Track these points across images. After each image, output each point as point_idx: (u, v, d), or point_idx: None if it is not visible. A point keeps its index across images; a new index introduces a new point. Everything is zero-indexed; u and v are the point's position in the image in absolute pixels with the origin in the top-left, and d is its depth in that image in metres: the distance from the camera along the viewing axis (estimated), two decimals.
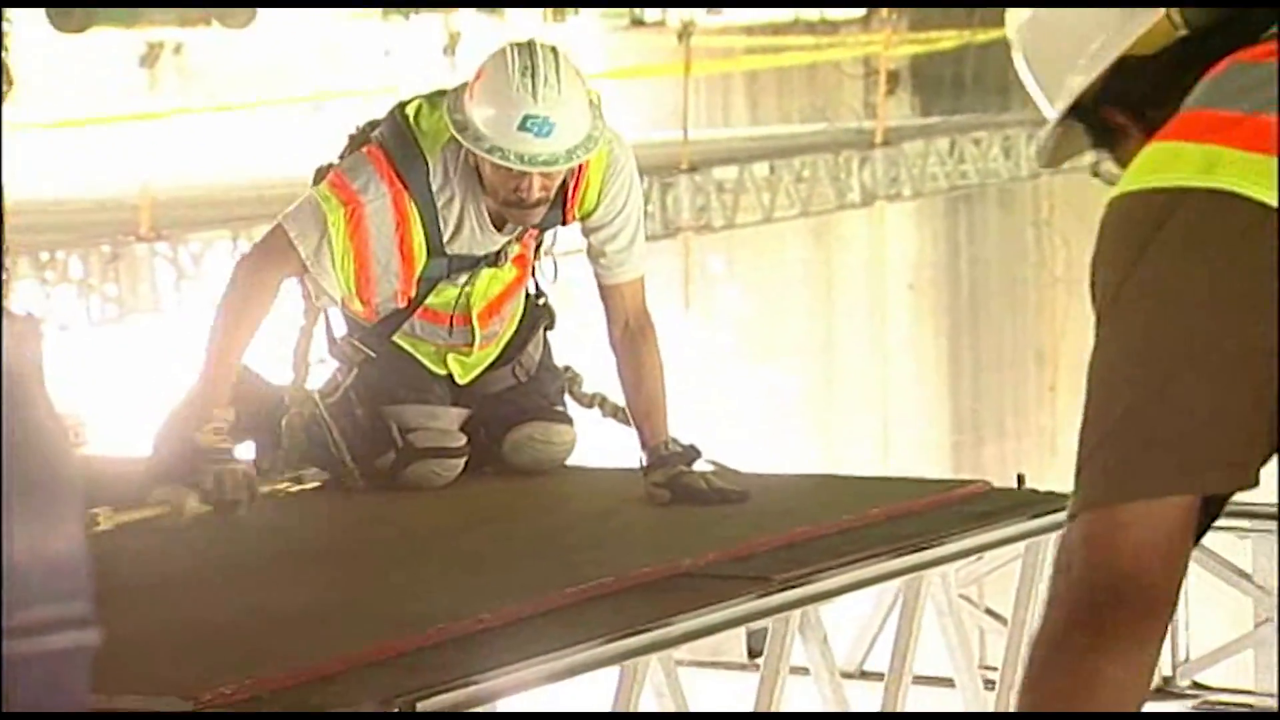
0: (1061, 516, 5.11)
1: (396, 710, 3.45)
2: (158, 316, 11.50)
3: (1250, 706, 7.17)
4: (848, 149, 13.55)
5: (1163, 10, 2.37)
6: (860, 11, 14.81)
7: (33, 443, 1.49)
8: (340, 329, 5.01)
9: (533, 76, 4.71)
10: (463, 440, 4.96)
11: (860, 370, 16.49)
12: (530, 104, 4.69)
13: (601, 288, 5.03)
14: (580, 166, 4.82)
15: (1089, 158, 2.96)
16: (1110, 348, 2.19)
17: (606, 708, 4.63)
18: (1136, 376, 2.16)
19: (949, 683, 6.66)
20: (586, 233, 4.99)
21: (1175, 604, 2.11)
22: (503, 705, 3.59)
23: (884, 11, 13.77)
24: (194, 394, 4.69)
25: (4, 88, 7.60)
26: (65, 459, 1.53)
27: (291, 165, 8.24)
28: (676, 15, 13.32)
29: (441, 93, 4.90)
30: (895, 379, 16.77)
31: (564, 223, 4.98)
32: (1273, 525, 7.21)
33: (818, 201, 13.23)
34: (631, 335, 5.03)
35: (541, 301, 5.20)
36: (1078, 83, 2.48)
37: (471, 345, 5.04)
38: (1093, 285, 2.21)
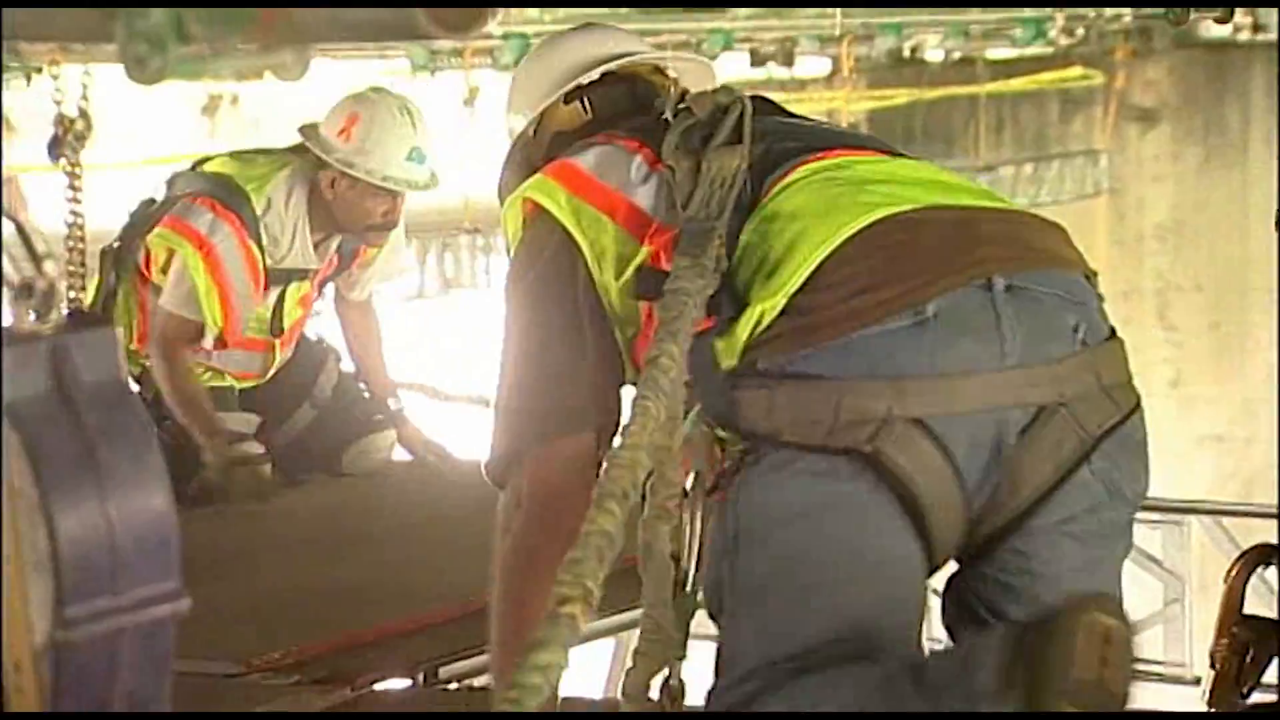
0: None
1: (421, 676, 3.45)
2: None
3: (1161, 675, 7.17)
4: None
5: (562, 97, 2.83)
6: (825, 72, 14.74)
7: (127, 440, 1.49)
8: None
9: (409, 116, 4.88)
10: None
11: None
12: (412, 138, 4.86)
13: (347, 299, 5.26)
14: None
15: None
16: (507, 330, 2.64)
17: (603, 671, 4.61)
18: (528, 351, 2.59)
19: None
20: (364, 264, 5.15)
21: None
22: None
23: (845, 71, 13.71)
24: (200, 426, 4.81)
25: (87, 133, 7.61)
26: (154, 453, 1.53)
27: None
28: None
29: (238, 153, 5.08)
30: None
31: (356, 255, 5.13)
32: (1179, 519, 7.22)
33: None
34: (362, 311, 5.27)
35: (322, 343, 5.30)
36: (516, 124, 2.91)
37: (266, 373, 5.11)
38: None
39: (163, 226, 4.89)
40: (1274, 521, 2.89)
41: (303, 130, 4.92)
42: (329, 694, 3.23)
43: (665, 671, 2.41)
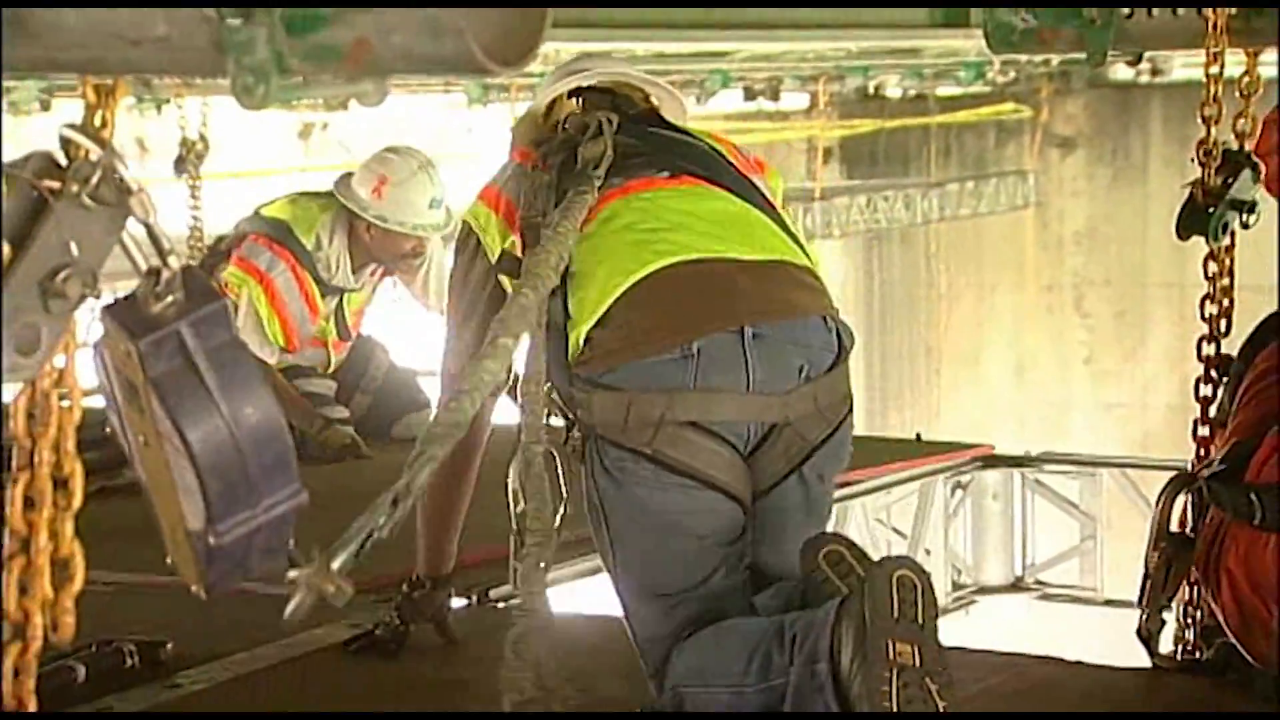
0: (943, 464, 4.91)
1: (474, 597, 3.42)
2: None
3: (1076, 598, 7.15)
4: (794, 201, 13.50)
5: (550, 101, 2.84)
6: (805, 105, 14.68)
7: (237, 369, 1.52)
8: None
9: (427, 171, 5.00)
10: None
11: None
12: (431, 189, 4.97)
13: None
14: None
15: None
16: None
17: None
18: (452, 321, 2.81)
19: None
20: (409, 281, 5.21)
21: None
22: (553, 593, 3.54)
23: (821, 105, 13.66)
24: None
25: (205, 153, 7.61)
26: (261, 378, 1.56)
27: None
28: None
29: (291, 197, 5.17)
30: None
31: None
32: (1093, 471, 7.19)
33: None
34: None
35: (370, 339, 5.37)
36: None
37: (329, 365, 5.24)
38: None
39: (233, 264, 5.00)
40: (1167, 472, 2.87)
41: (338, 188, 5.03)
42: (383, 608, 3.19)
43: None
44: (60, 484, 1.56)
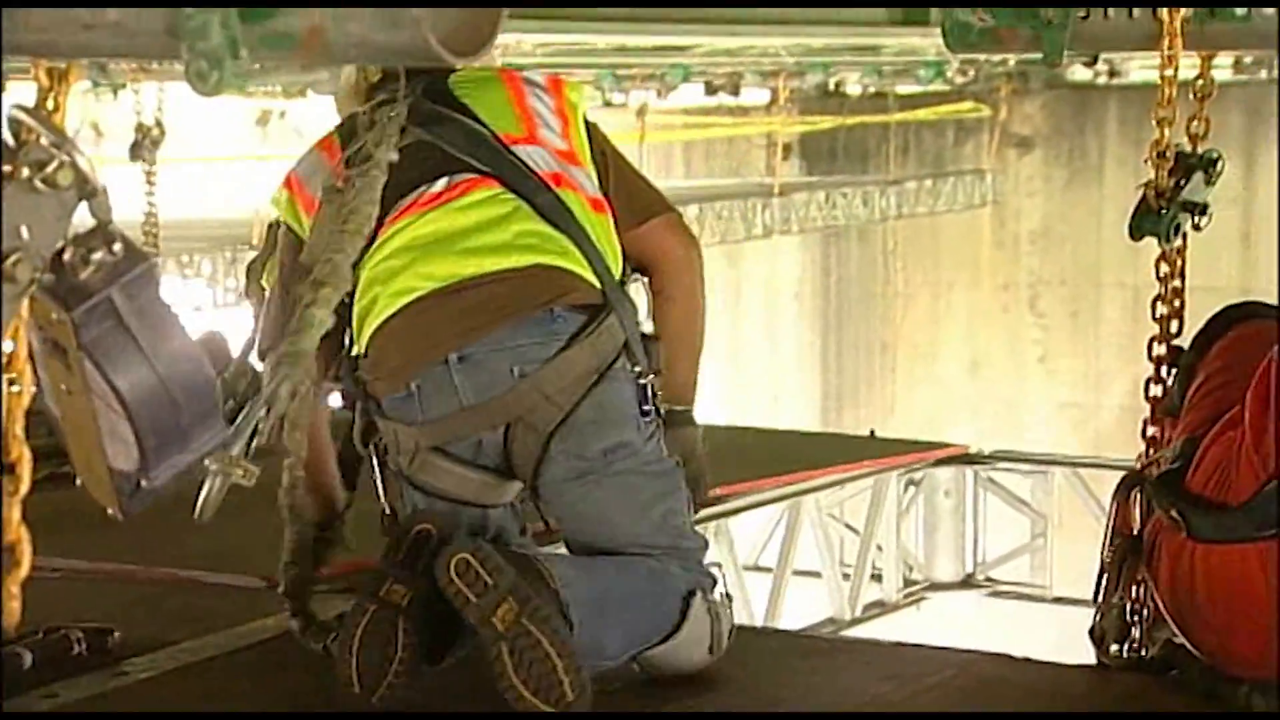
0: (900, 460, 4.91)
1: None
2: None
3: (1027, 595, 7.19)
4: (754, 197, 13.51)
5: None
6: (765, 101, 14.70)
7: (160, 320, 1.53)
8: None
9: None
10: None
11: (757, 356, 16.55)
12: None
13: None
14: None
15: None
16: None
17: None
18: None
19: (818, 575, 6.65)
20: None
21: None
22: None
23: (781, 101, 13.68)
24: None
25: (161, 139, 7.56)
26: (180, 326, 1.57)
27: None
28: (635, 98, 13.22)
29: None
30: (782, 363, 16.83)
31: None
32: (1044, 469, 7.23)
33: (732, 234, 13.18)
34: None
35: None
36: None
37: None
38: None
39: None
40: (1118, 472, 2.89)
41: None
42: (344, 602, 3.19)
43: None
44: (7, 469, 1.56)
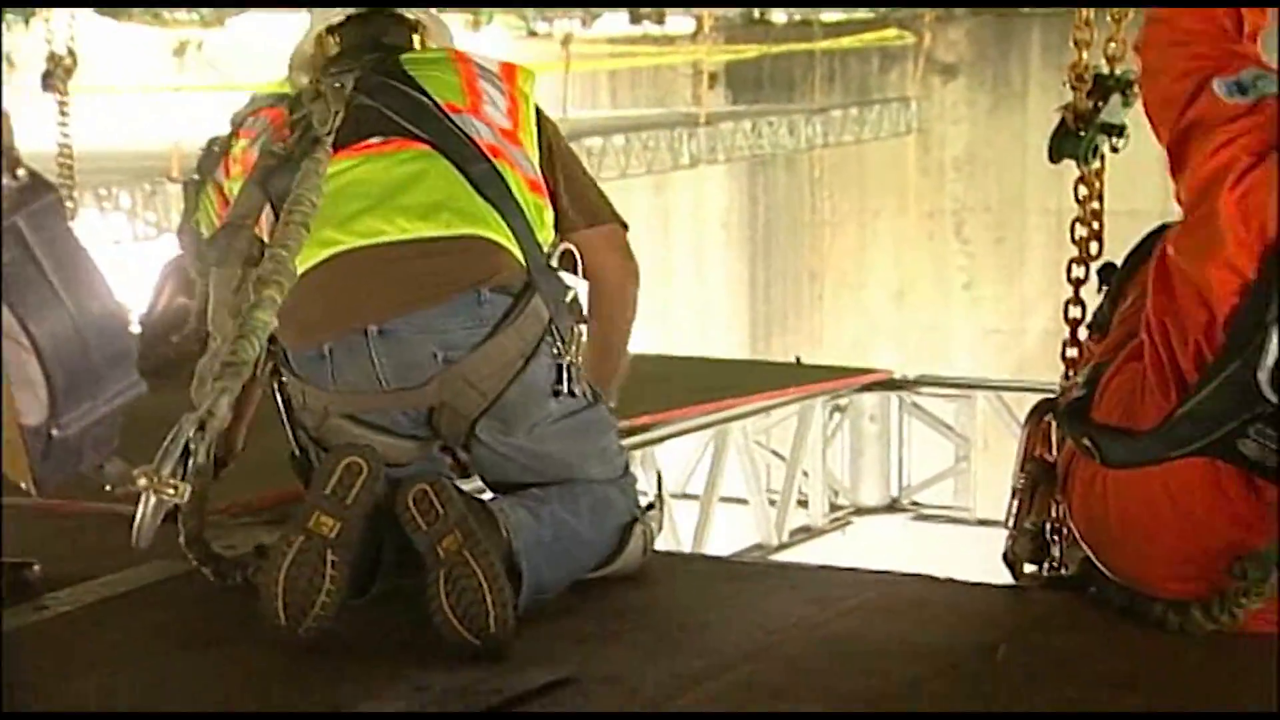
0: (825, 385, 4.99)
1: None
2: None
3: (951, 517, 7.28)
4: (680, 126, 13.46)
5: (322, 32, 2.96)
6: (690, 29, 14.63)
7: (77, 265, 1.50)
8: None
9: None
10: None
11: (687, 286, 16.55)
12: None
13: None
14: None
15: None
16: None
17: None
18: None
19: (744, 501, 6.70)
20: None
21: None
22: None
23: (706, 29, 13.62)
24: None
25: (74, 69, 7.41)
26: (98, 272, 1.56)
27: None
28: (560, 28, 13.11)
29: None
30: (712, 292, 16.85)
31: None
32: (968, 394, 7.30)
33: (658, 164, 13.14)
34: None
35: None
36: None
37: None
38: None
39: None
40: (1041, 395, 2.93)
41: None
42: (267, 533, 3.18)
43: None
44: None
